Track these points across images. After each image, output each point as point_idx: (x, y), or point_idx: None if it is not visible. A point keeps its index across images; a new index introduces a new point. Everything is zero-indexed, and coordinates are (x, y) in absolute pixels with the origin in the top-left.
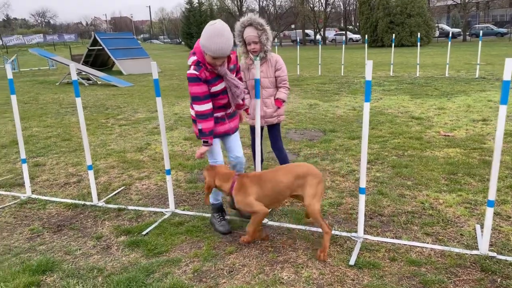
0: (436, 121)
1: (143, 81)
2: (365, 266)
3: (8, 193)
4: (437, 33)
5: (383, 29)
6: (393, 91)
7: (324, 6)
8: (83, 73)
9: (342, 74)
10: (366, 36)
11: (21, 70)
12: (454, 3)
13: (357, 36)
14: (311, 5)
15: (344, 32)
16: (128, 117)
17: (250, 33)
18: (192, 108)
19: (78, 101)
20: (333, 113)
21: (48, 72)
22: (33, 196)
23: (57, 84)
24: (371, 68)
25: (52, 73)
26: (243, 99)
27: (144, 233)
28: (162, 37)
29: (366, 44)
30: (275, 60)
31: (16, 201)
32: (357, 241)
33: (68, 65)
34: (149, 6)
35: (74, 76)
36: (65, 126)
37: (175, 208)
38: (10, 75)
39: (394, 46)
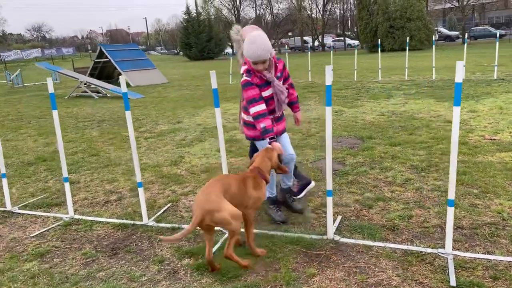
0: (475, 124)
1: (152, 92)
2: (468, 287)
3: (48, 214)
4: (436, 37)
5: (383, 34)
6: (416, 95)
7: (322, 12)
8: (92, 86)
9: (356, 80)
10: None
11: (25, 84)
12: (452, 6)
13: (355, 42)
14: (309, 12)
15: (341, 38)
16: (151, 130)
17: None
18: (246, 113)
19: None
20: (362, 119)
21: (53, 86)
22: (76, 216)
23: (66, 98)
24: (462, 71)
25: (57, 87)
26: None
27: (207, 255)
28: (159, 48)
29: (379, 48)
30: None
31: (59, 223)
32: (447, 258)
33: (77, 78)
34: (145, 18)
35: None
36: (88, 140)
37: None
38: (51, 89)
39: (394, 50)
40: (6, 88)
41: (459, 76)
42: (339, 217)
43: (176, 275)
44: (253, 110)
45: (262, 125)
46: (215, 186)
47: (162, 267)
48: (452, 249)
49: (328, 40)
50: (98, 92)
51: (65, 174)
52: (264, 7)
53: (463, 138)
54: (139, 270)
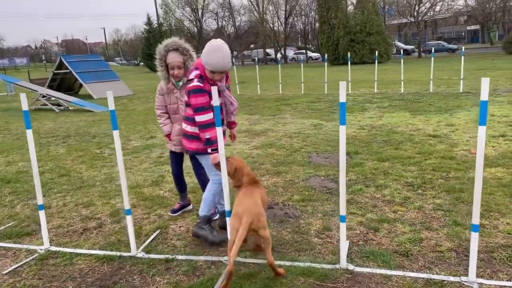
0: (456, 138)
1: (118, 104)
2: None
3: (19, 245)
4: (394, 50)
5: (344, 47)
6: (389, 108)
7: (284, 25)
8: (53, 98)
9: (326, 92)
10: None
11: None
12: (408, 21)
13: (316, 55)
14: (271, 25)
15: (302, 50)
16: (123, 146)
17: (175, 58)
18: (189, 123)
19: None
20: None
21: (7, 98)
22: (53, 248)
23: None
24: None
25: (12, 99)
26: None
27: None
28: (118, 58)
29: (349, 61)
30: None
31: (33, 256)
32: (472, 287)
33: (36, 91)
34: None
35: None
36: (55, 158)
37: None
38: (25, 107)
39: (355, 64)
40: None
41: (484, 94)
42: (347, 242)
43: None
44: (202, 118)
45: (207, 135)
46: (256, 192)
47: None
48: (476, 277)
49: (290, 52)
50: (59, 105)
51: (40, 201)
52: (226, 19)
53: (449, 153)
54: None
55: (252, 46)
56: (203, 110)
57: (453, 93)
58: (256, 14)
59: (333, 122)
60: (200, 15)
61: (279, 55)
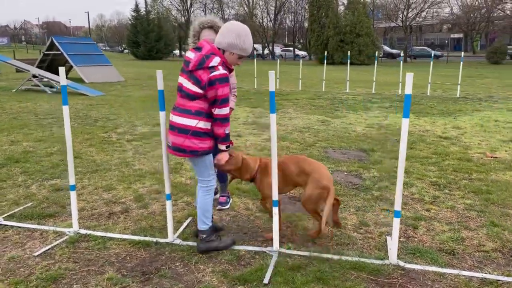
0: (468, 141)
1: (112, 90)
2: None
3: (44, 227)
4: (381, 53)
5: (333, 47)
6: (392, 109)
7: (273, 22)
8: (45, 79)
9: (324, 90)
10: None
11: None
12: (396, 25)
13: (303, 53)
14: (260, 20)
15: (289, 48)
16: (131, 132)
17: (209, 36)
18: (205, 119)
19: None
20: (353, 130)
21: None
22: (82, 231)
23: (14, 91)
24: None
25: None
26: None
27: (265, 281)
28: (101, 44)
29: (348, 61)
30: None
31: (63, 239)
32: None
33: (28, 71)
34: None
35: (64, 81)
36: (61, 140)
37: (280, 247)
38: (64, 81)
39: (343, 64)
40: None
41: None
42: (389, 238)
43: None
44: (225, 110)
45: (227, 130)
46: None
47: None
48: None
49: (277, 49)
50: (51, 87)
51: (72, 181)
52: (215, 11)
53: (465, 155)
54: None
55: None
56: (226, 102)
57: (451, 98)
58: (245, 8)
59: (339, 119)
60: (188, 5)
61: (266, 51)
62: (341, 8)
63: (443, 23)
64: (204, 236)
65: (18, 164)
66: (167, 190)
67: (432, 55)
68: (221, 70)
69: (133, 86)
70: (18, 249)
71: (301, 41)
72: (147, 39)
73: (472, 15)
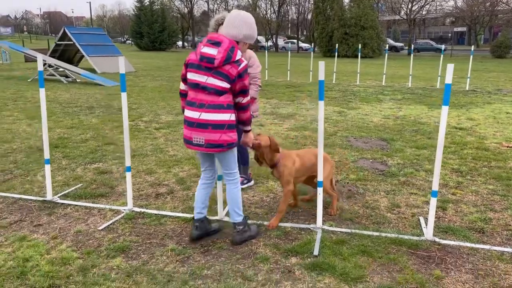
0: (483, 132)
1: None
2: None
3: (100, 205)
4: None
5: (338, 40)
6: (404, 101)
7: (276, 13)
8: (60, 69)
9: (334, 82)
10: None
11: None
12: (400, 18)
13: (307, 45)
14: (264, 12)
15: (293, 40)
16: (156, 120)
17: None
18: (233, 111)
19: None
20: (370, 121)
21: (4, 67)
22: (136, 209)
23: (29, 80)
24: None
25: (9, 68)
26: None
27: (316, 253)
28: None
29: (359, 53)
30: (248, 56)
31: (121, 215)
32: None
33: (45, 61)
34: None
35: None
36: (92, 128)
37: (322, 225)
38: (123, 70)
39: (347, 57)
40: None
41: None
42: (421, 218)
43: (292, 275)
44: (249, 97)
45: (250, 113)
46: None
47: (272, 266)
48: None
49: (280, 41)
50: (67, 77)
51: (128, 163)
52: (218, 2)
53: (482, 144)
54: (247, 268)
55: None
56: (249, 90)
57: (460, 91)
58: (249, 0)
59: (354, 110)
60: None
61: (269, 43)
62: (346, 0)
63: (447, 16)
64: (241, 227)
65: (58, 149)
66: (219, 171)
67: (443, 48)
68: (244, 62)
69: (144, 77)
70: (82, 224)
71: (305, 33)
72: (151, 30)
73: (476, 9)
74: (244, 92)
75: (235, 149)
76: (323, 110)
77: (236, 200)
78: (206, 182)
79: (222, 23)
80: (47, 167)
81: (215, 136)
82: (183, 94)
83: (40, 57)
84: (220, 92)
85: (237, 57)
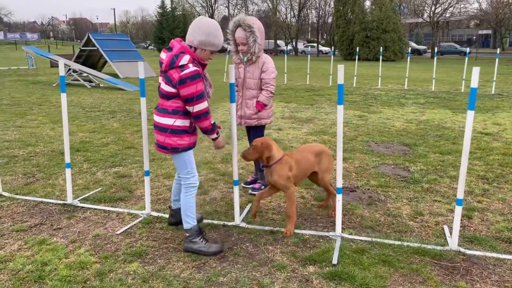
0: (510, 137)
1: (146, 85)
2: None
3: (119, 209)
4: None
5: (359, 43)
6: (428, 105)
7: (296, 17)
8: (84, 74)
9: (355, 86)
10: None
11: None
12: (423, 21)
13: (327, 49)
14: (284, 16)
15: (313, 44)
16: None
17: (238, 34)
18: (178, 117)
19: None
20: (392, 125)
21: (30, 72)
22: (154, 213)
23: (54, 85)
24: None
25: (35, 73)
26: None
27: (334, 262)
28: None
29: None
30: (262, 61)
31: (139, 220)
32: None
33: (69, 66)
34: (114, 9)
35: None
36: (113, 132)
37: (342, 232)
38: (142, 75)
39: (369, 60)
40: None
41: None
42: (445, 227)
43: (310, 284)
44: (204, 104)
45: (212, 120)
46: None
47: (289, 275)
48: None
49: (300, 45)
50: (90, 81)
51: (146, 167)
52: (239, 7)
53: (509, 150)
54: (263, 276)
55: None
56: (203, 96)
57: (486, 95)
58: (269, 4)
59: (376, 114)
60: (212, 1)
61: (289, 47)
62: (367, 3)
63: (471, 19)
64: (187, 235)
65: (80, 153)
66: (235, 177)
67: (467, 51)
68: (191, 68)
69: None
70: (100, 228)
71: (324, 36)
72: (172, 35)
73: (501, 11)
74: (191, 100)
75: (184, 154)
76: (343, 114)
77: (185, 207)
78: (180, 179)
79: (239, 25)
80: (68, 171)
81: (160, 137)
82: None
83: (61, 62)
84: (167, 96)
85: (181, 63)
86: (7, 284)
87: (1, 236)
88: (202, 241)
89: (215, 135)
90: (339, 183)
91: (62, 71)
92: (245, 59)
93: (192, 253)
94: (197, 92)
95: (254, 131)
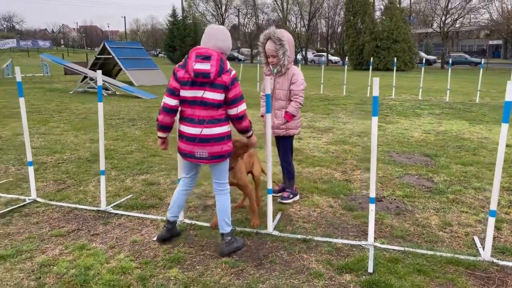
0: None
1: (162, 93)
2: None
3: (153, 216)
4: (418, 60)
5: (369, 53)
6: (444, 116)
7: (306, 27)
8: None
9: (368, 95)
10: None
11: (15, 75)
12: (433, 31)
13: (336, 58)
14: (294, 25)
15: (322, 53)
16: None
17: (269, 46)
18: (225, 124)
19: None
20: (411, 136)
21: (45, 79)
22: (187, 221)
23: (71, 92)
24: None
25: (50, 80)
26: None
27: (370, 270)
28: None
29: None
30: (292, 73)
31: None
32: None
33: (85, 74)
34: (124, 17)
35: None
36: (136, 140)
37: (374, 241)
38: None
39: (379, 70)
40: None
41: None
42: (476, 238)
43: None
44: (245, 105)
45: (249, 119)
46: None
47: (327, 282)
48: None
49: (309, 55)
50: (107, 89)
51: (179, 175)
52: (249, 16)
53: None
54: (302, 284)
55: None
56: (243, 97)
57: (501, 105)
58: (279, 14)
59: (393, 124)
60: (223, 11)
61: (299, 56)
62: (377, 13)
63: (482, 29)
64: (229, 238)
65: (106, 161)
66: (269, 185)
67: (482, 62)
68: (234, 71)
69: None
70: (137, 234)
71: (334, 46)
72: (183, 43)
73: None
74: (237, 100)
75: (227, 160)
76: (376, 126)
77: (226, 210)
78: (187, 189)
79: (269, 38)
80: (102, 178)
81: (217, 148)
82: (169, 110)
83: (99, 73)
84: (218, 105)
85: (228, 67)
86: None
87: (42, 240)
88: (235, 239)
89: (251, 132)
90: (372, 193)
91: (100, 81)
92: (275, 70)
93: (232, 254)
94: (241, 93)
95: (283, 141)
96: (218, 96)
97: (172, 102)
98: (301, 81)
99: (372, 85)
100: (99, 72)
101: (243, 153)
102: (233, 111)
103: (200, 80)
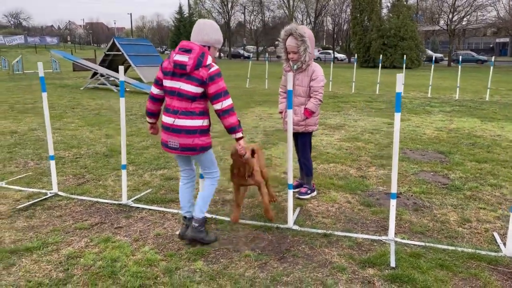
0: None
1: None
2: None
3: (174, 210)
4: (424, 57)
5: (375, 50)
6: (455, 113)
7: (313, 24)
8: (111, 78)
9: (378, 93)
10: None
11: (25, 72)
12: (441, 29)
13: (342, 56)
14: (300, 23)
15: (328, 50)
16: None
17: (290, 42)
18: (204, 117)
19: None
20: (423, 133)
21: (54, 75)
22: (207, 215)
23: (82, 89)
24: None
25: (60, 76)
26: None
27: (393, 265)
28: None
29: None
30: (312, 70)
31: None
32: None
33: (95, 70)
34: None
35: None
36: (150, 135)
37: (394, 237)
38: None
39: (385, 67)
40: (2, 74)
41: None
42: (495, 234)
43: (373, 286)
44: (230, 100)
45: (236, 117)
46: None
47: (350, 276)
48: None
49: (315, 52)
50: (117, 86)
51: (200, 170)
52: (255, 13)
53: None
54: (326, 277)
55: (277, 42)
56: (228, 93)
57: (511, 103)
58: (285, 11)
59: (404, 122)
60: (229, 8)
61: None
62: (384, 11)
63: (489, 27)
64: (197, 225)
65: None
66: (290, 181)
67: (492, 60)
68: (216, 66)
69: None
70: (159, 227)
71: (340, 43)
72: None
73: None
74: (219, 96)
75: (211, 151)
76: (399, 122)
77: (206, 198)
78: (188, 182)
79: (290, 34)
80: (124, 172)
81: (188, 140)
82: (152, 98)
83: (121, 68)
84: (192, 97)
85: (208, 62)
86: (82, 279)
87: (66, 233)
88: (205, 231)
89: (241, 134)
90: (394, 189)
91: (122, 77)
92: (295, 67)
93: (196, 243)
94: (224, 88)
95: (302, 138)
96: (193, 89)
97: (155, 90)
98: (321, 78)
99: (379, 83)
100: (121, 68)
101: (244, 163)
102: (217, 106)
103: (178, 72)
